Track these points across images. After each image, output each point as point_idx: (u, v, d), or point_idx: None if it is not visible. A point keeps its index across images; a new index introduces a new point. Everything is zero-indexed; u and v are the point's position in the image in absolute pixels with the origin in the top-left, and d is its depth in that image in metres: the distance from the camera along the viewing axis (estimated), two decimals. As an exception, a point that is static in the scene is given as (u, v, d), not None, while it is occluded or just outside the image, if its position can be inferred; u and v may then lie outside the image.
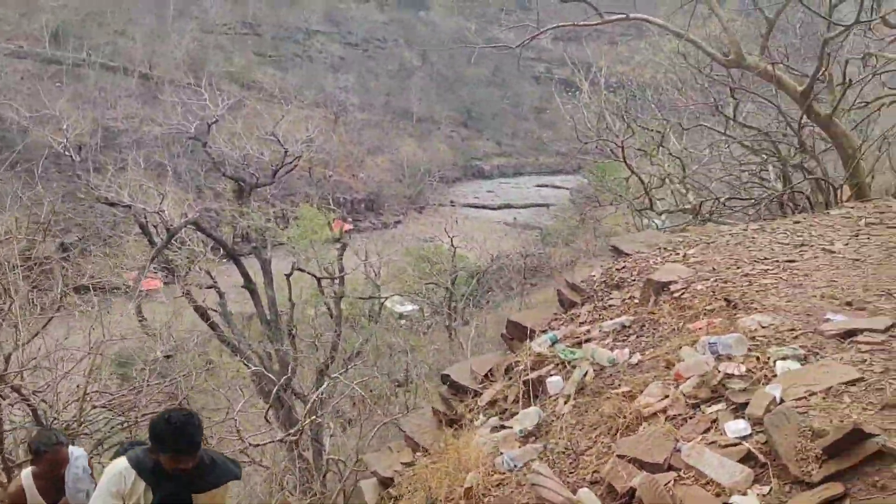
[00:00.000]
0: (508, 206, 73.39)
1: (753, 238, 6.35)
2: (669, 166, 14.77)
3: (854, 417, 3.24)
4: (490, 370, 6.03)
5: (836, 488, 2.96)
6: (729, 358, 4.02)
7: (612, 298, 5.93)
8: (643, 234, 7.47)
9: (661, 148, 14.58)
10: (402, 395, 15.42)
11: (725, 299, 4.88)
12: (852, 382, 3.51)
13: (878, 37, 9.87)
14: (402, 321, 27.54)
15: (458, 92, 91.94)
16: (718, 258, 5.89)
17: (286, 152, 19.93)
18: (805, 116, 9.01)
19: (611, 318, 5.55)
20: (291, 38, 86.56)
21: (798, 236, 6.24)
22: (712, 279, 5.36)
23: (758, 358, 3.94)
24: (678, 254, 6.20)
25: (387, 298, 24.26)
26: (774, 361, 3.85)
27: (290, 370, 14.14)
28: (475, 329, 18.22)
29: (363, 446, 8.64)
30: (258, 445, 8.36)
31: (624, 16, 9.53)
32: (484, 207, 74.08)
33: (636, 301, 5.72)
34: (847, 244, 5.84)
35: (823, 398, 3.44)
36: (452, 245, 28.30)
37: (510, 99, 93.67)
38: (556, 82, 19.27)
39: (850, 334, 4.01)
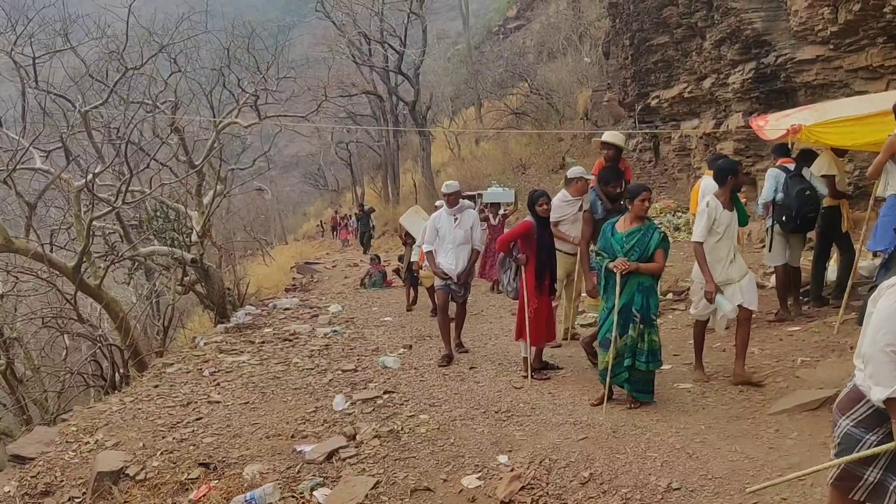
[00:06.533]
0: None
1: (140, 408, 6.75)
2: None
3: (401, 506, 4.60)
4: None
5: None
6: (272, 505, 4.73)
7: (44, 509, 5.38)
8: (33, 434, 6.61)
9: None
10: None
11: (201, 464, 5.39)
12: (375, 486, 4.84)
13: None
14: None
15: None
16: (134, 434, 6.11)
17: None
18: (79, 290, 9.48)
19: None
20: None
21: (175, 398, 7.00)
22: (159, 453, 5.67)
23: (293, 496, 4.80)
24: (86, 442, 6.05)
25: None
26: (311, 493, 4.80)
27: None
28: None
29: None
30: None
31: None
32: None
33: (78, 500, 5.42)
34: (220, 393, 6.99)
35: (365, 504, 4.65)
36: None
37: None
38: None
39: (331, 455, 5.30)
